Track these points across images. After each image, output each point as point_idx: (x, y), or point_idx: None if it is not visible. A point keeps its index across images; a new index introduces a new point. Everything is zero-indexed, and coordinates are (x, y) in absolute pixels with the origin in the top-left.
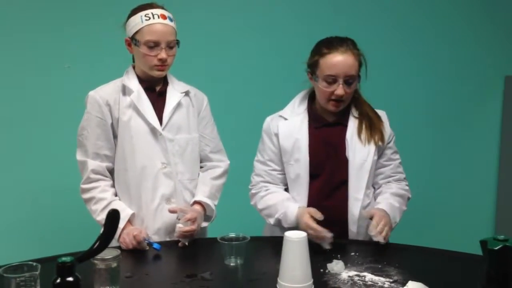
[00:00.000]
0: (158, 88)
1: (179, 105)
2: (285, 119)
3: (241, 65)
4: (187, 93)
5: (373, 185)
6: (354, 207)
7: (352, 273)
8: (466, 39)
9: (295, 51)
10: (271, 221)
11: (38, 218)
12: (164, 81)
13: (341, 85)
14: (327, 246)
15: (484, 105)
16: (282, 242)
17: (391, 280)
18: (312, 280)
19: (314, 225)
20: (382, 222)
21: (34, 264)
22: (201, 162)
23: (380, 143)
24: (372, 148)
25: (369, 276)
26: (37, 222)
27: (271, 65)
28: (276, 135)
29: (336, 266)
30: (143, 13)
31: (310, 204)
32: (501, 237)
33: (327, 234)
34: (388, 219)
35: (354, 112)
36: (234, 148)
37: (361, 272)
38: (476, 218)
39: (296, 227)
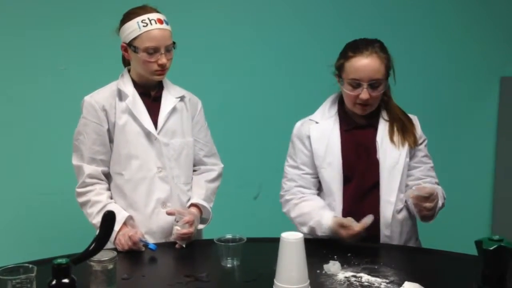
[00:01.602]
0: (153, 93)
1: (174, 109)
2: (316, 122)
3: (236, 67)
4: (182, 98)
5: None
6: (387, 210)
7: (349, 274)
8: (462, 40)
9: (292, 54)
10: (305, 229)
11: (34, 220)
12: (160, 86)
13: (365, 89)
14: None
15: (480, 106)
16: (279, 243)
17: (387, 281)
18: (308, 281)
19: (351, 231)
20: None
21: (30, 266)
22: (194, 165)
23: (413, 145)
24: (404, 150)
25: (365, 277)
26: (33, 224)
27: (266, 67)
28: (308, 138)
29: (332, 267)
30: (139, 18)
31: (345, 208)
32: (496, 237)
33: (367, 220)
34: (435, 191)
35: (384, 115)
36: (229, 151)
37: (357, 273)
38: (472, 219)
39: (330, 236)
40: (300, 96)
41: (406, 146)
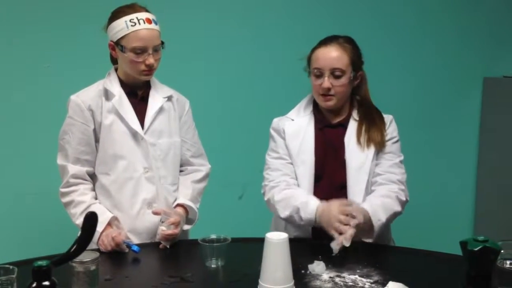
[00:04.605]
0: (140, 93)
1: (161, 109)
2: (292, 120)
3: (222, 67)
4: (169, 98)
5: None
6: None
7: (333, 274)
8: (445, 41)
9: (277, 54)
10: (286, 212)
11: (16, 220)
12: (147, 85)
13: (326, 78)
14: (336, 247)
15: (463, 106)
16: (263, 244)
17: (371, 281)
18: (293, 282)
19: (344, 221)
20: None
21: (11, 267)
22: (181, 166)
23: (378, 146)
24: (371, 151)
25: (350, 277)
26: (15, 225)
27: (252, 68)
28: (284, 132)
29: (317, 267)
30: (127, 18)
31: None
32: (481, 238)
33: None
34: (360, 219)
35: (355, 115)
36: (213, 150)
37: (342, 272)
38: (455, 218)
39: (312, 222)
40: (286, 97)
41: (372, 147)
